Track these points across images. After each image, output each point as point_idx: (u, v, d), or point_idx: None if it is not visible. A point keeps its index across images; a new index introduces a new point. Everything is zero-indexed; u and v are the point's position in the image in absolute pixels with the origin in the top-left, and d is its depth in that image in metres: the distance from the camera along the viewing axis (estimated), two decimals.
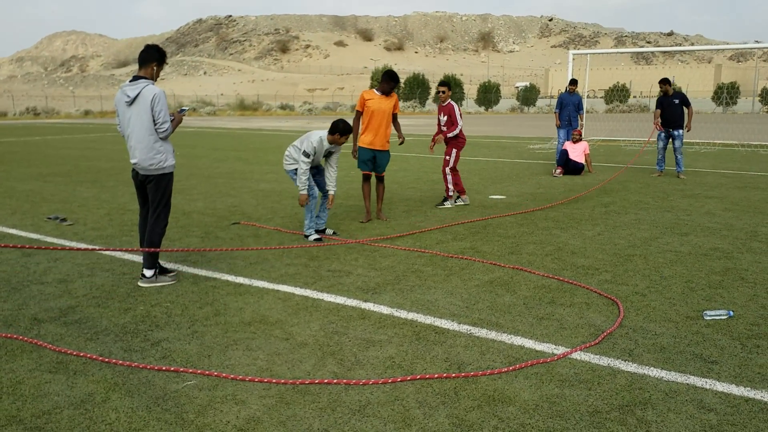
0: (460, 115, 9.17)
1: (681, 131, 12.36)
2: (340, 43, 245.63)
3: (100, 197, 10.10)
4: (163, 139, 5.35)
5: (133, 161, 5.40)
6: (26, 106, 55.99)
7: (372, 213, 8.32)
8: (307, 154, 6.78)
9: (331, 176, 7.09)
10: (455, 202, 9.34)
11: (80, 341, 4.18)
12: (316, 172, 7.17)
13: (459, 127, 9.07)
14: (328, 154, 7.07)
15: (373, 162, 8.01)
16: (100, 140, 24.33)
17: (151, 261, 5.43)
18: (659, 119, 12.50)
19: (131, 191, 10.62)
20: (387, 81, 7.86)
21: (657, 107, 12.61)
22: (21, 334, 4.28)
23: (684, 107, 12.36)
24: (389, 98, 7.92)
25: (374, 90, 8.00)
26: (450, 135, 9.11)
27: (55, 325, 4.48)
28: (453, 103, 9.22)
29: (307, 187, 6.81)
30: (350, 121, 7.34)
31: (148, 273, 5.43)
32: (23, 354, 3.97)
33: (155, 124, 5.27)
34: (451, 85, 9.43)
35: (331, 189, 7.09)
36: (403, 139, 8.17)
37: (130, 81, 5.31)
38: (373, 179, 9.60)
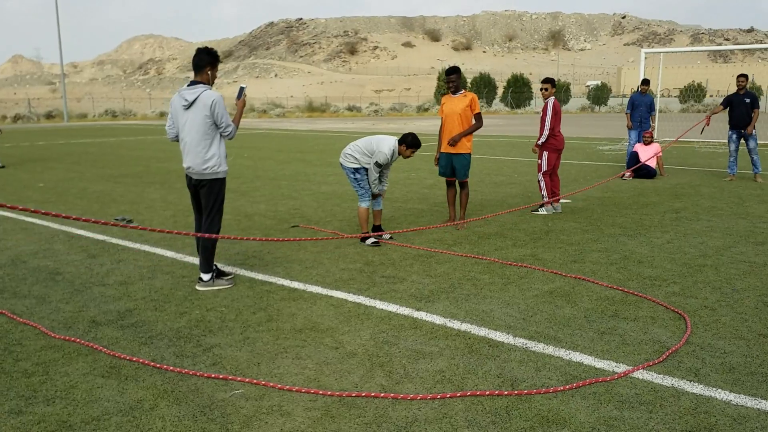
0: (553, 115, 8.59)
1: (754, 133, 11.77)
2: (407, 44, 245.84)
3: (167, 199, 10.33)
4: (230, 138, 5.44)
5: (186, 166, 5.46)
6: (105, 108, 58.23)
7: (456, 217, 8.13)
8: (379, 165, 6.87)
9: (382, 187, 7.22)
10: (553, 209, 8.84)
11: (134, 345, 4.23)
12: (365, 175, 7.08)
13: (545, 133, 8.60)
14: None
15: (452, 167, 7.80)
16: (158, 143, 25.02)
17: (207, 265, 5.48)
18: (711, 115, 11.98)
19: None
20: (447, 78, 7.65)
21: (724, 104, 12.03)
22: (78, 337, 4.37)
23: (752, 108, 11.76)
24: (462, 97, 7.61)
25: (450, 93, 7.79)
26: (539, 143, 8.72)
27: (111, 328, 4.56)
28: (548, 102, 8.69)
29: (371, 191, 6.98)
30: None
31: (205, 277, 5.48)
32: (79, 357, 4.04)
33: (219, 128, 5.34)
34: (555, 81, 8.81)
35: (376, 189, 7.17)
36: (454, 141, 7.57)
37: (188, 85, 5.36)
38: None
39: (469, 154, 7.71)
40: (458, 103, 7.59)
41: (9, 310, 4.95)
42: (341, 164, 7.08)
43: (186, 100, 5.28)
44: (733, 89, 12.34)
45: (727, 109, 12.06)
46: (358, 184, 6.96)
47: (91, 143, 24.33)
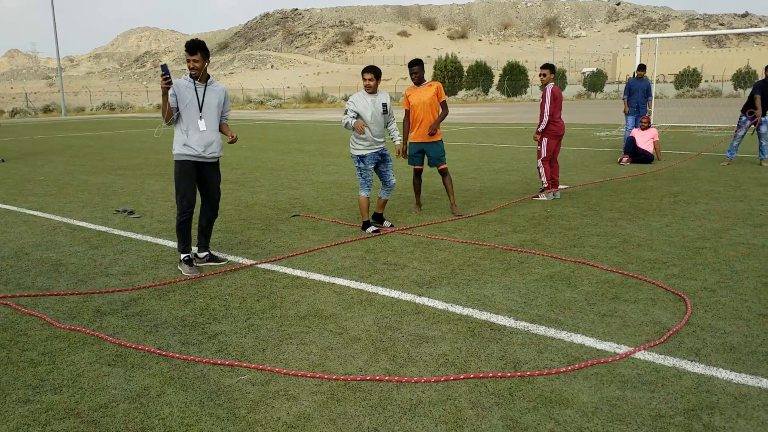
0: (552, 101, 8.53)
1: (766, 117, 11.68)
2: (403, 33, 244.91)
3: (168, 189, 10.34)
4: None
5: (201, 151, 5.66)
6: (102, 101, 58.05)
7: (421, 205, 8.34)
8: (346, 111, 6.91)
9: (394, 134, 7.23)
10: (552, 195, 8.86)
11: (140, 334, 4.27)
12: (381, 161, 7.06)
13: (544, 120, 8.57)
14: (384, 110, 6.93)
15: (423, 156, 7.87)
16: (169, 133, 24.99)
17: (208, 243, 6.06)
18: (760, 106, 11.65)
19: None
20: (410, 70, 7.65)
21: (758, 93, 11.67)
22: (84, 327, 4.40)
23: None
24: (428, 87, 7.66)
25: (414, 84, 7.79)
26: (539, 131, 8.68)
27: (116, 317, 4.59)
28: (547, 88, 8.63)
29: (351, 120, 6.87)
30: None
31: (202, 254, 5.94)
32: (85, 346, 4.07)
33: (225, 113, 5.86)
34: (554, 67, 8.70)
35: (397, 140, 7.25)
36: (433, 130, 7.56)
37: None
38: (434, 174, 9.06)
39: (442, 140, 7.84)
40: (425, 93, 7.65)
41: (14, 301, 4.98)
42: (350, 154, 7.13)
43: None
44: (729, 74, 12.32)
45: (730, 99, 11.88)
46: (360, 173, 6.97)
47: (90, 136, 24.29)
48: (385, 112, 6.94)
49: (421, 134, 7.69)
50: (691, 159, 12.79)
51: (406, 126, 7.77)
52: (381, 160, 7.05)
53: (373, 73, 6.88)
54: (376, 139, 6.90)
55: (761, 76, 48.92)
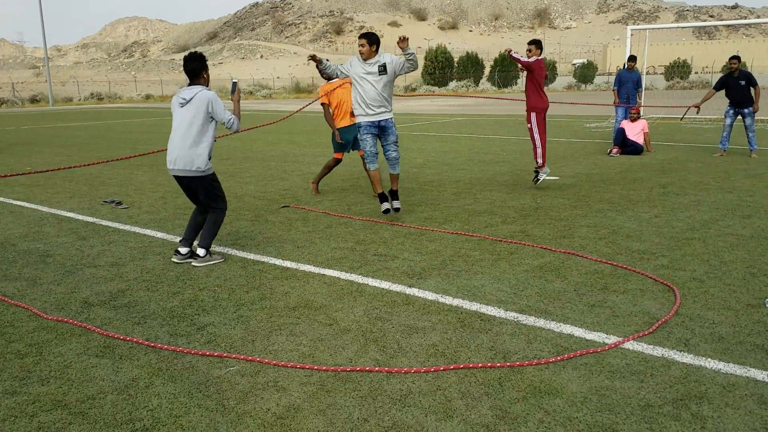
0: (529, 68, 8.44)
1: (750, 109, 11.75)
2: (393, 24, 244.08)
3: (156, 181, 10.28)
4: (235, 131, 5.64)
5: (170, 166, 5.56)
6: (90, 91, 57.63)
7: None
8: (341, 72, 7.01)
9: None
10: (542, 175, 8.81)
11: (128, 325, 4.24)
12: (381, 134, 6.99)
13: (523, 60, 8.41)
14: (381, 70, 6.80)
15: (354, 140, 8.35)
16: (159, 124, 24.84)
17: (209, 241, 5.68)
18: (701, 103, 11.98)
19: None
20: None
21: (718, 88, 11.95)
22: (71, 318, 4.37)
23: (751, 87, 11.70)
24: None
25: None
26: (513, 54, 8.51)
27: (104, 308, 4.56)
28: (536, 58, 8.49)
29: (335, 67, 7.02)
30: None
31: (202, 252, 5.62)
32: (72, 338, 4.05)
33: (224, 124, 5.55)
34: (540, 42, 8.63)
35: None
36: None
37: (188, 86, 5.59)
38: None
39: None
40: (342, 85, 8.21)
41: (0, 292, 4.93)
42: None
43: (183, 98, 5.46)
44: (719, 66, 12.35)
45: (722, 91, 12.01)
46: (361, 143, 7.01)
47: (78, 126, 24.10)
48: (383, 72, 6.77)
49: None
50: (681, 150, 12.82)
51: (335, 115, 8.32)
52: (381, 132, 6.97)
53: (366, 38, 6.80)
54: (372, 107, 6.80)
55: (750, 67, 49.16)
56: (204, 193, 5.56)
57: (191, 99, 5.42)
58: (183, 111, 5.44)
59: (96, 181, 10.37)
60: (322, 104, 8.31)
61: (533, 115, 8.67)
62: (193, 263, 5.60)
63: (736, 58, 11.74)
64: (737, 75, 11.67)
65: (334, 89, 8.24)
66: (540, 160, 8.79)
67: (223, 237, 6.54)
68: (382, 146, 7.07)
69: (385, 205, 7.00)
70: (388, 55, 6.92)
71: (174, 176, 5.57)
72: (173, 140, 5.47)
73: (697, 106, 12.08)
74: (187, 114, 5.41)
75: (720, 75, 60.47)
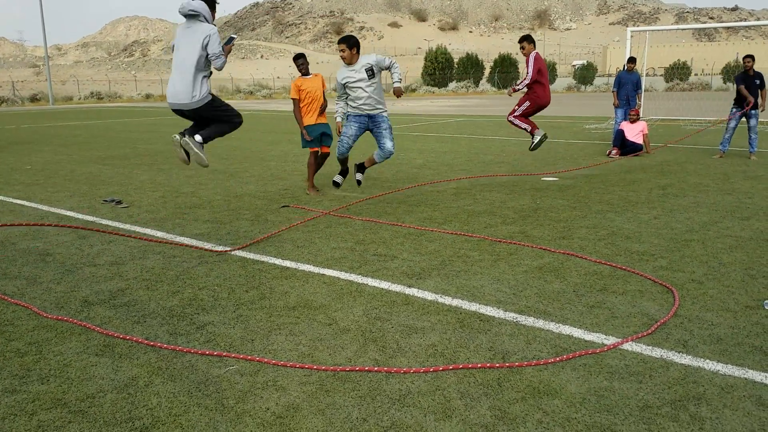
0: (538, 69, 8.31)
1: (757, 111, 11.74)
2: (394, 24, 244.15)
3: (156, 180, 10.29)
4: (219, 68, 5.70)
5: (170, 100, 5.75)
6: (90, 90, 57.65)
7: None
8: (335, 88, 7.32)
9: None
10: (536, 137, 8.75)
11: (128, 324, 4.25)
12: (373, 126, 7.22)
13: (528, 77, 8.33)
14: (369, 74, 7.03)
15: (322, 135, 8.56)
16: (158, 123, 24.84)
17: (209, 137, 5.96)
18: (746, 96, 11.63)
19: (186, 174, 10.80)
20: (298, 63, 8.41)
21: (741, 83, 11.68)
22: (71, 316, 4.37)
23: (760, 89, 11.67)
24: (315, 77, 8.47)
25: (301, 75, 8.45)
26: (518, 87, 8.36)
27: (104, 307, 4.57)
28: (531, 55, 8.35)
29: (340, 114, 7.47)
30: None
31: (199, 138, 5.88)
32: (72, 336, 4.05)
33: (209, 56, 5.65)
34: (531, 37, 8.49)
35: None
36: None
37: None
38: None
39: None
40: (314, 81, 8.43)
41: (0, 290, 4.94)
42: None
43: (192, 9, 5.63)
44: (718, 67, 12.36)
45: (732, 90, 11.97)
46: (344, 131, 7.33)
47: (78, 125, 24.10)
48: (371, 76, 6.92)
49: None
50: (680, 152, 12.83)
51: (303, 111, 8.47)
52: (372, 125, 7.14)
53: (345, 43, 6.90)
54: (365, 109, 7.05)
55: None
56: (213, 117, 5.77)
57: (193, 25, 5.60)
58: (182, 45, 5.63)
59: (96, 180, 10.37)
60: (293, 99, 8.48)
61: (526, 104, 8.55)
62: (187, 139, 5.81)
63: (751, 57, 11.67)
64: (753, 74, 11.62)
65: (304, 83, 8.41)
66: (529, 128, 8.72)
67: (222, 236, 6.55)
68: (376, 136, 7.18)
69: (359, 176, 7.63)
70: (373, 55, 7.06)
71: (174, 110, 5.78)
72: (173, 77, 5.69)
73: (755, 104, 11.65)
74: (187, 45, 5.59)
75: (719, 76, 60.66)
